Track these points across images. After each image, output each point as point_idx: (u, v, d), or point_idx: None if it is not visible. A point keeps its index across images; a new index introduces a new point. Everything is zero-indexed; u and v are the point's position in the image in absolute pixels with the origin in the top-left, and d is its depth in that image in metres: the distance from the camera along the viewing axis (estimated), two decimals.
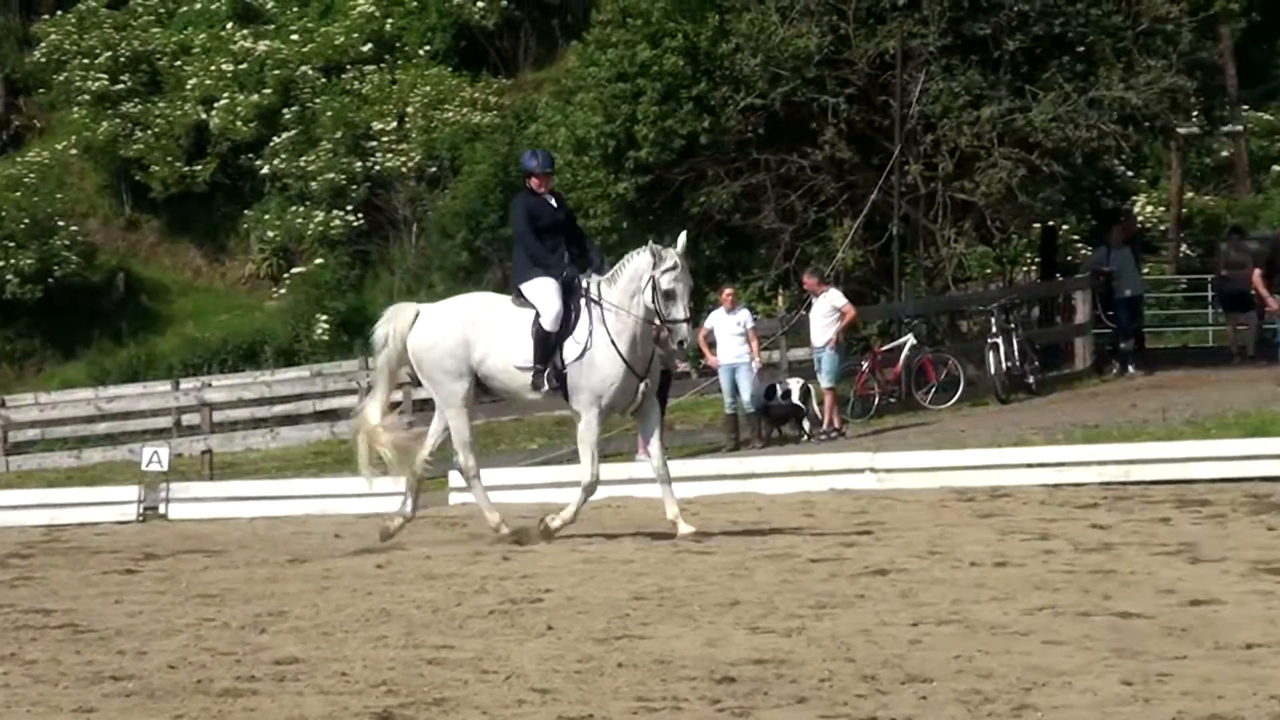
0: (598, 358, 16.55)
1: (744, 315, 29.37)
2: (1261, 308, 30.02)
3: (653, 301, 16.54)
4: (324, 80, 54.28)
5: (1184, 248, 51.16)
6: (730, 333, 28.84)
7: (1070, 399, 29.95)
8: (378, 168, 51.92)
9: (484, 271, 48.32)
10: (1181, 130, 37.27)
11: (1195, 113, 35.82)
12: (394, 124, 52.68)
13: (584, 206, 34.13)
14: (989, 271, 38.28)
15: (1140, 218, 44.81)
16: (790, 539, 17.36)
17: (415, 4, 55.00)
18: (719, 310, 29.19)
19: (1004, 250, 36.99)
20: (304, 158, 51.95)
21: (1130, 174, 40.52)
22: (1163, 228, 50.24)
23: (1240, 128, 54.70)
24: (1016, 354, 30.77)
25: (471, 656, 11.91)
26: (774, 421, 29.09)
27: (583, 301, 16.91)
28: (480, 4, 54.00)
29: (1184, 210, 52.85)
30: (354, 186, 51.66)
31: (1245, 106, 56.02)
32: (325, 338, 48.01)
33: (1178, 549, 15.46)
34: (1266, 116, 61.17)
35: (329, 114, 52.57)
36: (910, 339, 30.78)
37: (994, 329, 30.96)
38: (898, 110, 32.31)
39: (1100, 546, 15.84)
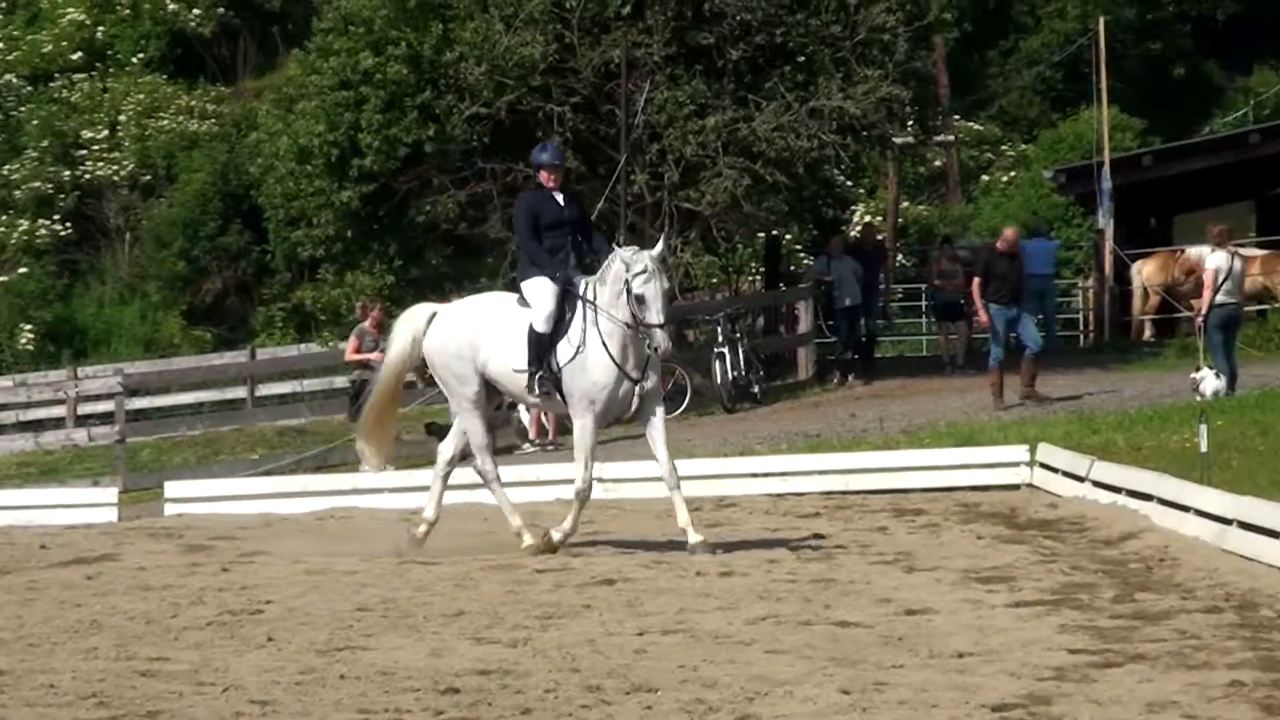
0: (590, 360, 15.99)
1: None
2: (972, 317, 30.55)
3: (629, 305, 15.91)
4: (30, 89, 53.19)
5: (900, 257, 51.94)
6: None
7: (793, 408, 30.24)
8: (87, 176, 50.93)
9: (203, 280, 47.75)
10: (897, 140, 37.70)
11: (910, 122, 36.31)
12: (105, 132, 51.72)
13: (307, 215, 33.93)
14: (715, 281, 38.57)
15: (875, 227, 45.40)
16: (512, 550, 17.19)
17: (128, 12, 54.17)
18: None
19: (729, 259, 37.30)
20: (7, 166, 50.85)
21: (850, 183, 41.07)
22: (880, 236, 51.00)
23: (952, 138, 55.77)
24: (742, 363, 30.96)
25: (187, 669, 11.72)
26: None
27: (578, 303, 16.29)
28: (196, 11, 53.33)
29: (900, 220, 53.72)
30: (62, 195, 50.66)
31: (957, 116, 57.11)
32: (30, 347, 46.86)
33: (894, 558, 15.68)
34: (976, 126, 62.49)
35: (35, 122, 51.51)
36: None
37: (720, 338, 31.14)
38: (623, 119, 32.29)
39: (822, 556, 15.97)
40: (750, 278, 40.95)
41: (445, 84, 32.67)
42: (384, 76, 32.61)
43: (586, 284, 16.27)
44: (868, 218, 51.44)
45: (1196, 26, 67.02)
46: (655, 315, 15.63)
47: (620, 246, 16.31)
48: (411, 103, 32.59)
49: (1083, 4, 62.41)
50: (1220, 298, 24.66)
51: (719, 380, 30.67)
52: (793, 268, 42.39)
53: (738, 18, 32.28)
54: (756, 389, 31.25)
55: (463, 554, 16.80)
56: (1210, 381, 23.63)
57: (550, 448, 28.07)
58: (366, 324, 28.62)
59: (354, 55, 33.07)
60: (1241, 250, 27.36)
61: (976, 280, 27.34)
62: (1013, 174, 58.76)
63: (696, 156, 32.16)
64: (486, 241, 33.56)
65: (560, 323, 16.21)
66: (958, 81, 58.06)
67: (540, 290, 16.33)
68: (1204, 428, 16.94)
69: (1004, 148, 62.29)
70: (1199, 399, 23.03)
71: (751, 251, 39.37)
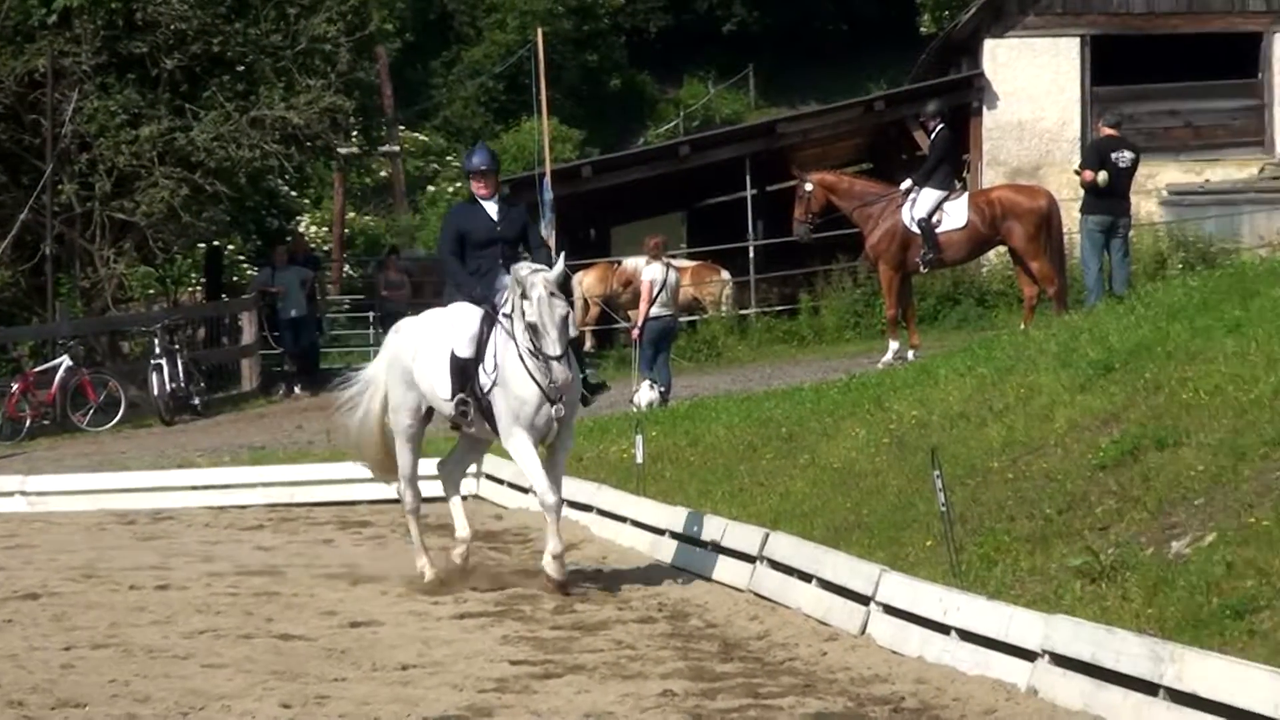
0: (509, 378, 13.97)
1: None
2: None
3: (526, 332, 13.98)
4: None
5: (346, 267, 51.95)
6: None
7: (237, 420, 29.96)
8: None
9: None
10: (342, 150, 37.74)
11: (355, 132, 36.40)
12: None
13: None
14: (152, 292, 37.96)
15: (307, 237, 45.21)
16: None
17: None
18: None
19: (167, 270, 36.78)
20: None
21: (294, 194, 40.82)
22: (326, 247, 50.87)
23: (397, 148, 56.01)
24: (181, 375, 30.61)
25: None
26: None
27: (496, 322, 14.35)
28: None
29: (346, 230, 53.72)
30: None
31: (402, 127, 57.36)
32: None
33: (340, 570, 15.62)
34: (422, 137, 62.82)
35: None
36: (66, 360, 30.23)
37: (157, 350, 30.73)
38: (49, 129, 31.71)
39: (265, 569, 15.82)
40: (190, 289, 40.39)
41: None
42: None
43: (508, 299, 14.35)
44: (312, 228, 51.24)
45: (631, 39, 68.65)
46: (551, 346, 13.74)
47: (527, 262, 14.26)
48: None
49: (522, 16, 63.37)
50: (655, 310, 25.08)
51: (156, 392, 30.27)
52: (236, 279, 41.97)
53: (172, 26, 32.00)
54: (197, 401, 30.93)
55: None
56: (645, 393, 24.04)
57: None
58: None
59: None
60: (675, 262, 27.95)
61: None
62: (458, 184, 59.20)
63: (130, 166, 31.75)
64: None
65: (482, 346, 14.36)
66: (402, 92, 58.42)
67: (460, 314, 14.52)
68: (640, 439, 17.21)
69: (449, 158, 62.81)
70: (635, 410, 23.42)
71: (191, 262, 38.90)
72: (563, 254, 15.06)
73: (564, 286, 13.96)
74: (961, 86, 36.85)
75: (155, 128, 31.72)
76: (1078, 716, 9.22)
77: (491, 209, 14.63)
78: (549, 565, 13.93)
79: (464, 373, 14.21)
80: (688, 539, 13.95)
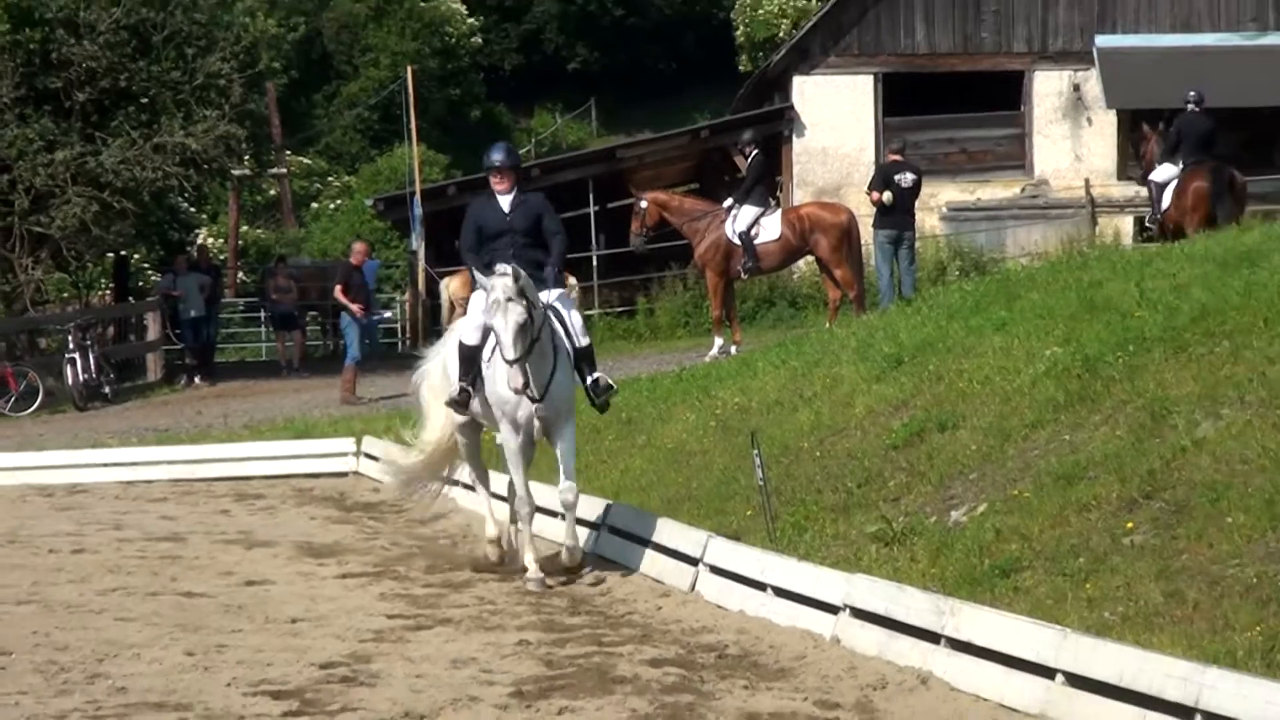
0: (496, 374, 12.49)
1: None
2: (305, 326, 30.34)
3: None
4: None
5: (241, 274, 51.56)
6: None
7: (144, 406, 29.60)
8: None
9: None
10: (236, 172, 37.44)
11: (247, 157, 36.07)
12: None
13: None
14: (66, 295, 37.36)
15: (208, 248, 44.77)
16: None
17: None
18: None
19: (80, 276, 36.30)
20: None
21: (194, 210, 40.42)
22: (223, 257, 50.41)
23: (285, 170, 55.60)
24: (93, 367, 30.31)
25: None
26: None
27: None
28: None
29: (240, 241, 53.32)
30: None
31: (289, 152, 56.90)
32: None
33: (236, 536, 15.52)
34: (306, 160, 62.36)
35: None
36: None
37: (71, 345, 30.39)
38: None
39: (170, 535, 15.70)
40: (101, 292, 39.85)
41: None
42: None
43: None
44: (209, 240, 50.73)
45: (488, 76, 68.45)
46: (506, 350, 12.09)
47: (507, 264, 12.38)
48: None
49: (393, 55, 63.00)
50: None
51: (70, 382, 29.94)
52: (142, 284, 41.49)
53: (83, 64, 31.65)
54: (108, 389, 30.58)
55: None
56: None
57: None
58: None
59: None
60: None
61: (340, 287, 27.37)
62: (339, 202, 58.88)
63: (46, 186, 31.33)
64: None
65: (486, 335, 12.81)
66: (289, 121, 57.90)
67: (474, 303, 13.13)
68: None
69: (330, 179, 62.40)
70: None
71: (102, 269, 38.39)
72: (511, 264, 12.36)
73: (522, 293, 12.01)
74: (774, 117, 37.12)
75: (68, 152, 31.33)
76: (873, 661, 9.35)
77: (505, 202, 12.96)
78: (564, 558, 12.68)
79: (470, 360, 12.85)
80: (541, 510, 13.96)
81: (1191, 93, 23.92)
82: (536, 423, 12.48)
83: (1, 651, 10.31)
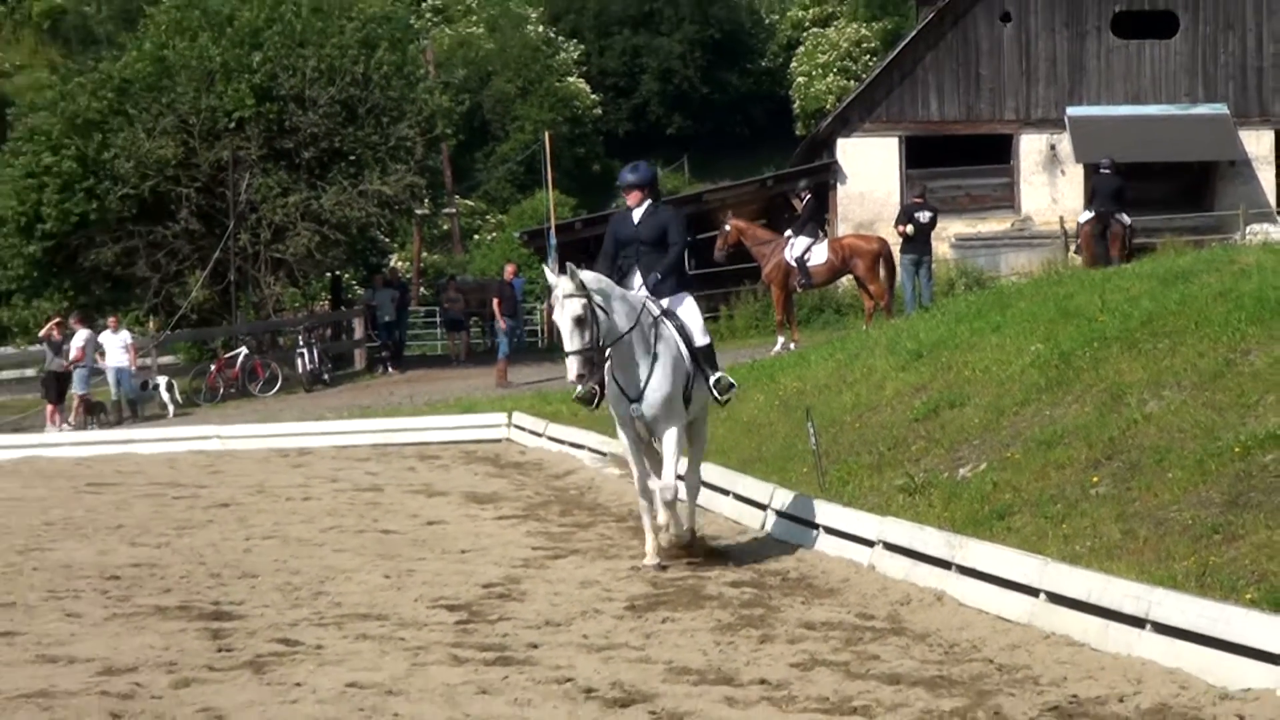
0: (607, 374, 10.55)
1: (125, 334, 28.36)
2: (469, 328, 30.53)
3: None
4: None
5: (422, 288, 51.95)
6: (116, 346, 27.67)
7: (352, 389, 29.91)
8: None
9: None
10: (419, 212, 37.88)
11: (427, 200, 36.44)
12: None
13: (3, 261, 32.40)
14: (297, 305, 37.80)
15: (398, 269, 45.15)
16: (159, 484, 16.63)
17: None
18: (107, 331, 28.00)
19: (307, 290, 36.79)
20: None
21: (388, 240, 40.78)
22: (409, 275, 50.81)
23: (454, 210, 55.93)
24: (316, 359, 30.69)
25: None
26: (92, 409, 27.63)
27: None
28: None
29: (422, 264, 53.67)
30: None
31: (457, 196, 57.27)
32: None
33: (420, 487, 15.64)
34: (470, 202, 62.69)
35: None
36: (244, 349, 30.24)
37: (301, 343, 30.87)
38: (231, 198, 31.70)
39: (371, 486, 15.87)
40: (321, 302, 40.27)
41: (104, 174, 31.38)
42: (60, 169, 31.17)
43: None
44: (399, 263, 51.13)
45: (606, 138, 68.62)
46: (568, 342, 10.02)
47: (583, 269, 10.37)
48: (80, 186, 31.19)
49: (535, 122, 63.20)
50: None
51: (300, 370, 30.39)
52: (350, 296, 41.87)
53: (308, 130, 32.09)
54: (327, 376, 30.93)
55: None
56: None
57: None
58: (55, 334, 27.28)
59: (37, 156, 31.52)
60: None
61: (496, 300, 27.65)
62: (494, 234, 59.10)
63: (283, 222, 31.82)
64: (136, 279, 32.44)
65: None
66: (457, 173, 58.24)
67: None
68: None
69: (488, 216, 62.68)
70: None
71: (322, 285, 38.79)
72: (568, 267, 10.18)
73: (581, 290, 9.98)
74: (823, 170, 36.92)
75: (298, 197, 31.76)
76: (900, 583, 9.31)
77: (636, 214, 10.85)
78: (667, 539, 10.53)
79: (591, 363, 10.27)
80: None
81: (1104, 159, 24.21)
82: (638, 422, 10.40)
83: (252, 574, 10.42)
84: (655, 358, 10.29)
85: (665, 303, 10.64)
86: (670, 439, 10.35)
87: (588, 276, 10.08)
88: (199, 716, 6.57)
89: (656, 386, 10.28)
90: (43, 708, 6.65)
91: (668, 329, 10.49)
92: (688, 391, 10.49)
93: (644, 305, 10.41)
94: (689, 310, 10.77)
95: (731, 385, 10.90)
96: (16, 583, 10.17)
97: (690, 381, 10.52)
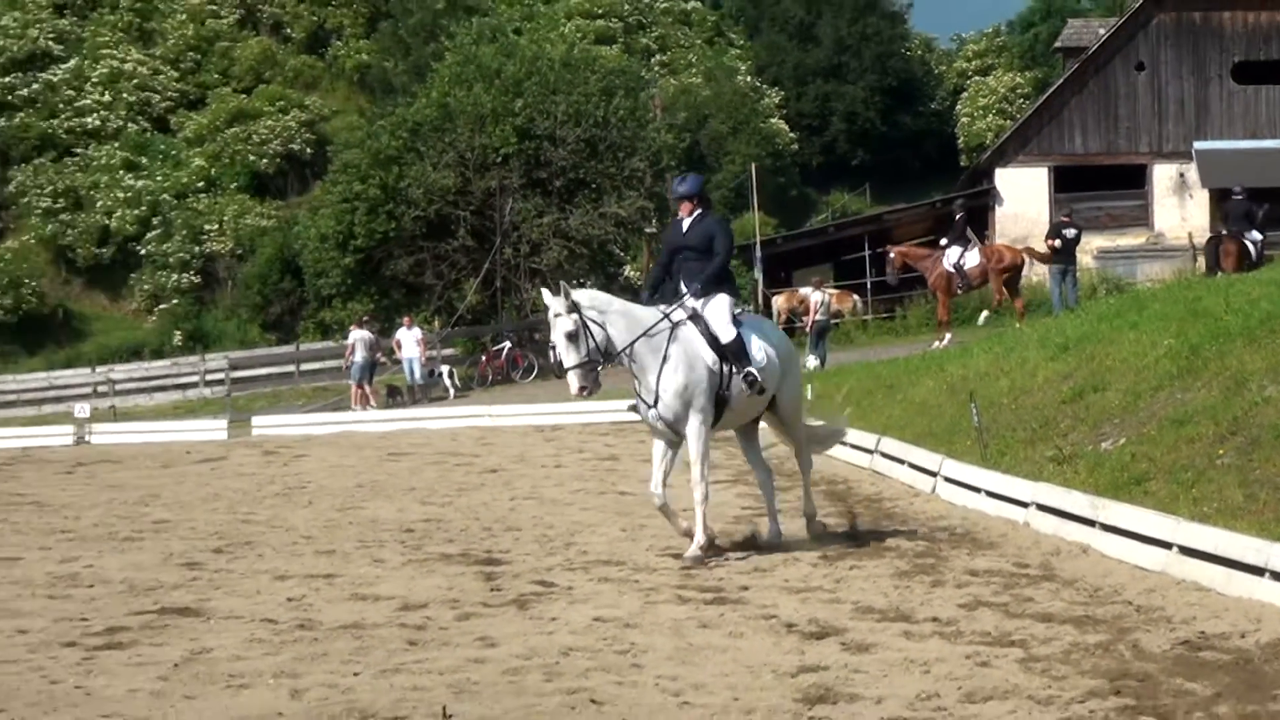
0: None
1: (417, 331, 29.06)
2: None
3: None
4: (176, 204, 50.19)
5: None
6: (411, 340, 28.44)
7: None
8: (208, 250, 48.27)
9: (269, 306, 46.29)
10: (648, 230, 38.10)
11: (654, 219, 36.72)
12: (217, 226, 48.79)
13: (326, 271, 33.65)
14: None
15: (630, 278, 45.50)
16: (443, 454, 17.04)
17: (227, 161, 51.91)
18: (403, 328, 28.79)
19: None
20: (165, 245, 48.74)
21: (623, 254, 41.24)
22: (639, 283, 51.07)
23: None
24: None
25: (266, 518, 11.54)
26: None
27: None
28: (264, 160, 51.50)
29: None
30: (193, 260, 48.19)
31: None
32: (179, 344, 45.26)
33: (648, 457, 15.36)
34: None
35: (179, 223, 48.60)
36: (508, 344, 30.82)
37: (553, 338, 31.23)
38: (498, 219, 32.45)
39: (610, 456, 16.01)
40: None
41: (400, 199, 32.37)
42: (367, 195, 32.27)
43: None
44: (631, 272, 51.50)
45: (802, 169, 68.13)
46: (564, 359, 8.92)
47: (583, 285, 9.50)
48: (383, 209, 32.25)
49: (743, 156, 63.01)
50: (818, 317, 25.06)
51: (552, 361, 30.22)
52: None
53: (558, 164, 32.64)
54: None
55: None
56: (811, 360, 23.93)
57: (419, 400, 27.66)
58: (365, 331, 27.86)
59: (350, 185, 32.68)
60: (828, 290, 27.75)
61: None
62: None
63: (538, 239, 32.42)
64: (424, 285, 33.44)
65: None
66: None
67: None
68: (809, 388, 16.94)
69: None
70: (806, 369, 23.24)
71: None
72: (562, 284, 9.08)
73: (573, 308, 8.81)
74: (984, 195, 36.23)
75: (550, 218, 32.36)
76: (1051, 538, 9.08)
77: (685, 224, 9.32)
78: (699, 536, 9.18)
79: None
80: (889, 456, 13.14)
81: (1236, 186, 23.31)
82: (660, 424, 9.07)
83: (516, 528, 10.51)
84: (665, 359, 8.86)
85: (698, 304, 9.09)
86: (691, 435, 9.04)
87: (581, 295, 8.92)
88: (477, 644, 6.70)
89: (666, 385, 8.87)
90: (355, 636, 6.88)
91: (688, 331, 8.97)
92: (724, 390, 8.96)
93: (655, 316, 8.93)
94: (715, 308, 9.09)
95: (755, 380, 9.02)
96: (335, 535, 10.50)
97: (725, 381, 8.96)
